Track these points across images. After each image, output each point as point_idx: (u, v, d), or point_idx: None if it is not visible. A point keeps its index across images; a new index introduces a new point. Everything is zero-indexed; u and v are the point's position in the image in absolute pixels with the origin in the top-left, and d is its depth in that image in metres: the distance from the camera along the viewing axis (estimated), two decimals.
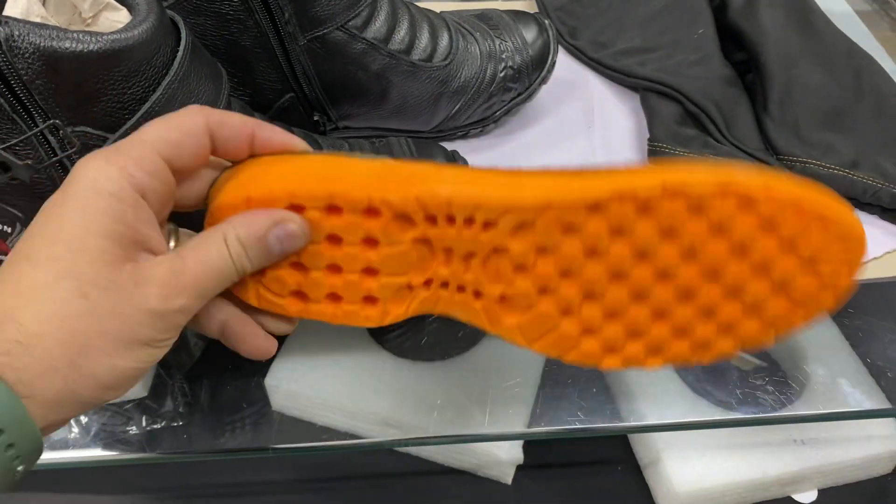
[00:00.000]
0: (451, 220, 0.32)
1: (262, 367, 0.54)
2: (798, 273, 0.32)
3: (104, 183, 0.28)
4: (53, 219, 0.28)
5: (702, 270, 0.32)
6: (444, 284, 0.34)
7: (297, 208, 0.32)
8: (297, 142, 0.34)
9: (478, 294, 0.34)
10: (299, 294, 0.34)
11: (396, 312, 0.35)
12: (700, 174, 0.30)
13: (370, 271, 0.34)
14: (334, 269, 0.34)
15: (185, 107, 0.32)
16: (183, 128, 0.30)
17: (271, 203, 0.32)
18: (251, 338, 0.34)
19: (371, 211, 0.32)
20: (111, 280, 0.27)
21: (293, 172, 0.33)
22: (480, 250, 0.33)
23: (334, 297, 0.34)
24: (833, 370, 0.51)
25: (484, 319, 0.34)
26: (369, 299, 0.34)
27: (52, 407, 0.27)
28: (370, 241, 0.33)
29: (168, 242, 0.32)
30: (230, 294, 0.33)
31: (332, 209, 0.32)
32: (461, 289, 0.34)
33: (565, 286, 0.33)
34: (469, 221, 0.32)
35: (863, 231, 0.32)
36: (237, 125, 0.32)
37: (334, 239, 0.33)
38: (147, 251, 0.29)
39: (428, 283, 0.34)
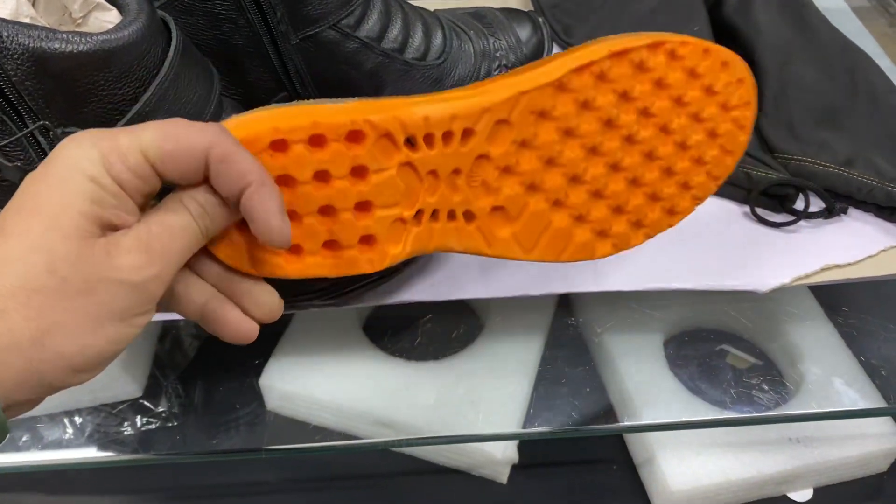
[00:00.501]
0: (430, 140, 0.34)
1: (257, 367, 0.54)
2: (720, 119, 0.39)
3: (85, 164, 0.27)
4: (30, 194, 0.27)
5: (656, 129, 0.38)
6: (435, 215, 0.36)
7: (280, 145, 0.32)
8: (281, 230, 0.30)
9: (469, 216, 0.36)
10: (295, 249, 0.33)
11: (394, 252, 0.35)
12: (634, 37, 0.36)
13: (363, 206, 0.34)
14: (327, 211, 0.34)
15: (202, 123, 0.30)
16: (180, 143, 0.29)
17: (255, 143, 0.32)
18: (232, 320, 0.33)
19: (355, 135, 0.33)
20: (82, 254, 0.27)
21: (273, 112, 0.33)
22: (464, 164, 0.35)
23: (331, 245, 0.34)
24: (828, 369, 0.51)
25: (480, 240, 0.36)
26: (366, 240, 0.34)
27: (13, 387, 0.26)
28: (358, 172, 0.34)
29: None
30: (212, 275, 0.33)
31: (316, 140, 0.33)
32: (452, 216, 0.36)
33: (550, 176, 0.36)
34: (448, 136, 0.34)
35: (749, 73, 0.39)
36: (235, 175, 0.29)
37: (322, 176, 0.33)
38: (113, 228, 0.29)
39: (419, 215, 0.35)
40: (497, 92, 0.35)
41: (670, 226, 0.41)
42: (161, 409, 0.53)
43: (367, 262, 0.35)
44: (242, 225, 0.32)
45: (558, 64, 0.35)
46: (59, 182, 0.27)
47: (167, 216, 0.29)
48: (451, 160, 0.35)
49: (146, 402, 0.54)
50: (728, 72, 0.38)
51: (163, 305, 0.31)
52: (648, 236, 0.41)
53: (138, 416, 0.53)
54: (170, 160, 0.29)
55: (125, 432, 0.52)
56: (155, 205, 0.31)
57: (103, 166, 0.28)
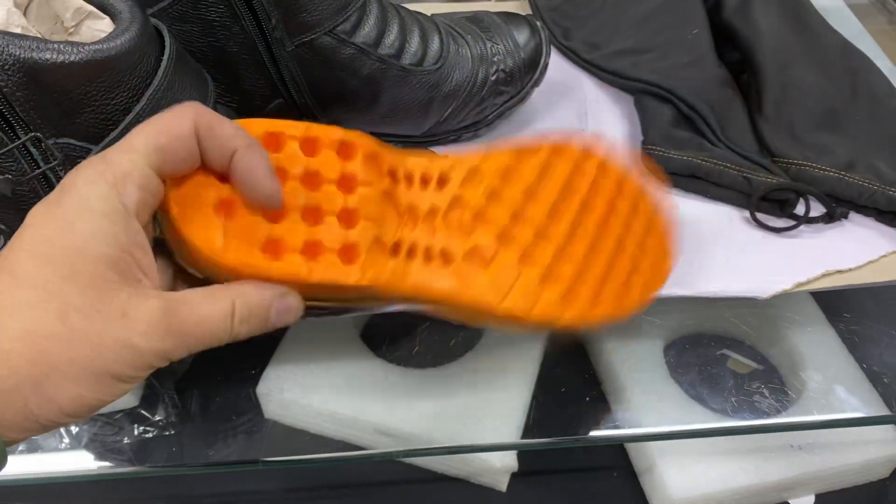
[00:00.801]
0: (409, 178, 0.38)
1: (254, 375, 0.54)
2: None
3: (96, 202, 0.27)
4: (43, 237, 0.27)
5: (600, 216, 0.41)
6: (412, 252, 0.36)
7: (274, 139, 0.34)
8: (272, 188, 0.31)
9: (446, 257, 0.37)
10: (275, 244, 0.33)
11: (371, 274, 0.34)
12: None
13: (348, 216, 0.35)
14: (313, 211, 0.34)
15: (176, 105, 0.30)
16: (172, 131, 0.29)
17: (249, 131, 0.32)
18: None
19: (346, 148, 0.35)
20: (97, 308, 0.26)
21: (268, 119, 0.34)
22: (440, 204, 0.38)
23: (313, 246, 0.33)
24: (830, 376, 0.51)
25: (455, 283, 0.36)
26: (348, 250, 0.34)
27: (9, 426, 0.26)
28: (347, 183, 0.35)
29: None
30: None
31: (309, 144, 0.34)
32: (428, 257, 0.37)
33: (518, 229, 0.38)
34: (425, 181, 0.38)
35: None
36: (223, 140, 0.30)
37: (313, 176, 0.34)
38: (139, 273, 0.29)
39: (397, 248, 0.36)
40: (469, 152, 0.40)
41: (621, 317, 0.40)
42: (158, 418, 0.53)
43: (344, 272, 0.34)
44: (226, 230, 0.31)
45: (526, 141, 0.41)
46: (71, 224, 0.27)
47: (209, 310, 0.29)
48: (428, 199, 0.38)
49: (143, 411, 0.53)
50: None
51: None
52: (607, 319, 0.39)
53: (135, 425, 0.52)
54: (167, 153, 0.29)
55: (122, 441, 0.51)
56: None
57: (115, 197, 0.27)
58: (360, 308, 0.46)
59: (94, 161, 0.28)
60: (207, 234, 0.31)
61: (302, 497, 0.55)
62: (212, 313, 0.29)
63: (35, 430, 0.27)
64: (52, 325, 0.26)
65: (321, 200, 0.34)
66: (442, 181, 0.38)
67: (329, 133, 0.35)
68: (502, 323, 0.37)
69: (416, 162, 0.38)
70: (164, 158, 0.29)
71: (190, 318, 0.29)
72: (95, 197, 0.27)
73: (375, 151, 0.36)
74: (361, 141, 0.36)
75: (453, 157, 0.39)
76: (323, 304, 0.36)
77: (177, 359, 0.29)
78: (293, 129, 0.34)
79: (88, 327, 0.26)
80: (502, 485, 0.54)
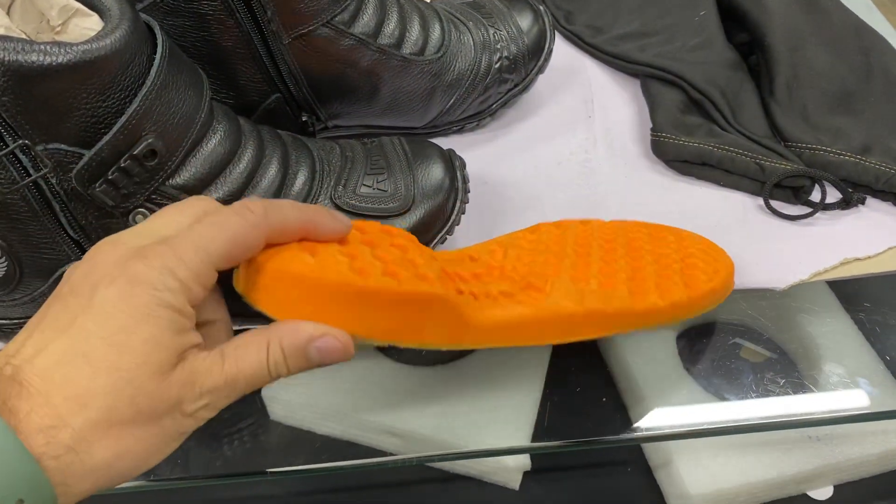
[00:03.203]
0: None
1: None
2: None
3: (168, 297, 0.29)
4: (116, 324, 0.28)
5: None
6: (474, 296, 0.38)
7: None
8: (345, 227, 0.34)
9: (506, 294, 0.39)
10: (358, 271, 0.33)
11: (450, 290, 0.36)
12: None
13: (414, 265, 0.36)
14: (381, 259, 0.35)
15: (245, 202, 0.32)
16: (246, 243, 0.31)
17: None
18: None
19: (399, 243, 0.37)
20: (163, 390, 0.28)
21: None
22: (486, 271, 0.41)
23: (392, 274, 0.34)
24: (851, 369, 0.50)
25: (525, 306, 0.38)
26: (421, 276, 0.35)
27: (76, 496, 0.28)
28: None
29: None
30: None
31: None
32: (489, 296, 0.38)
33: (563, 266, 0.42)
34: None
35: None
36: (296, 227, 0.33)
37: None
38: (194, 350, 0.30)
39: (460, 292, 0.37)
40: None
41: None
42: None
43: (427, 283, 0.34)
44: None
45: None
46: (146, 317, 0.28)
47: (244, 355, 0.31)
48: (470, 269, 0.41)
49: None
50: None
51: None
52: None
53: None
54: (235, 260, 0.31)
55: None
56: None
57: (184, 295, 0.29)
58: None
59: (164, 254, 0.29)
60: (327, 263, 0.32)
61: (311, 501, 0.54)
62: (247, 357, 0.31)
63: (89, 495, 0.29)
64: (127, 412, 0.28)
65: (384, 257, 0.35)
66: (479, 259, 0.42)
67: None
68: (581, 327, 0.40)
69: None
70: (230, 263, 0.31)
71: (230, 369, 0.31)
72: (167, 292, 0.29)
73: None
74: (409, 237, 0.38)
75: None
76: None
77: (225, 406, 0.32)
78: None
79: (153, 407, 0.28)
80: (515, 483, 0.53)
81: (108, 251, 0.30)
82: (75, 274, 0.30)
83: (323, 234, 0.34)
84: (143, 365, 0.28)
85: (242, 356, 0.31)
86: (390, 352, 0.54)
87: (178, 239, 0.30)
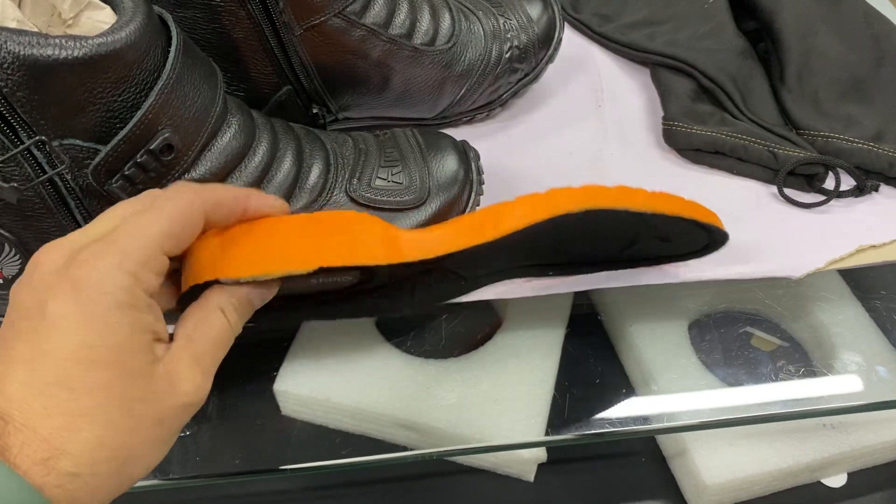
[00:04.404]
0: None
1: (271, 372, 0.52)
2: None
3: (122, 296, 0.27)
4: (77, 340, 0.27)
5: None
6: None
7: None
8: (281, 205, 0.34)
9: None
10: None
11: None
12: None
13: None
14: None
15: (175, 187, 0.31)
16: (185, 220, 0.30)
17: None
18: None
19: None
20: (151, 390, 0.28)
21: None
22: None
23: None
24: (868, 357, 0.50)
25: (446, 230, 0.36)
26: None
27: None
28: None
29: None
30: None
31: None
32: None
33: None
34: None
35: None
36: (231, 203, 0.32)
37: None
38: (164, 336, 0.30)
39: None
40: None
41: None
42: None
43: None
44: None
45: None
46: (106, 323, 0.27)
47: (208, 329, 0.31)
48: None
49: None
50: None
51: None
52: None
53: None
54: (179, 239, 0.30)
55: None
56: None
57: (139, 287, 0.28)
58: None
59: (105, 252, 0.28)
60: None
61: (325, 496, 0.54)
62: (216, 331, 0.31)
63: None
64: (124, 422, 0.27)
65: None
66: None
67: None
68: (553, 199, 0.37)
69: None
70: (174, 244, 0.30)
71: (208, 349, 0.31)
72: (121, 292, 0.27)
73: None
74: None
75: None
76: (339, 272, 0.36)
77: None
78: None
79: (150, 408, 0.28)
80: (530, 475, 0.53)
81: (46, 261, 0.28)
82: (20, 294, 0.28)
83: (260, 212, 0.33)
84: (123, 376, 0.27)
85: (209, 331, 0.31)
86: (400, 343, 0.54)
87: (116, 232, 0.29)
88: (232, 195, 0.32)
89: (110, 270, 0.27)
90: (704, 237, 0.44)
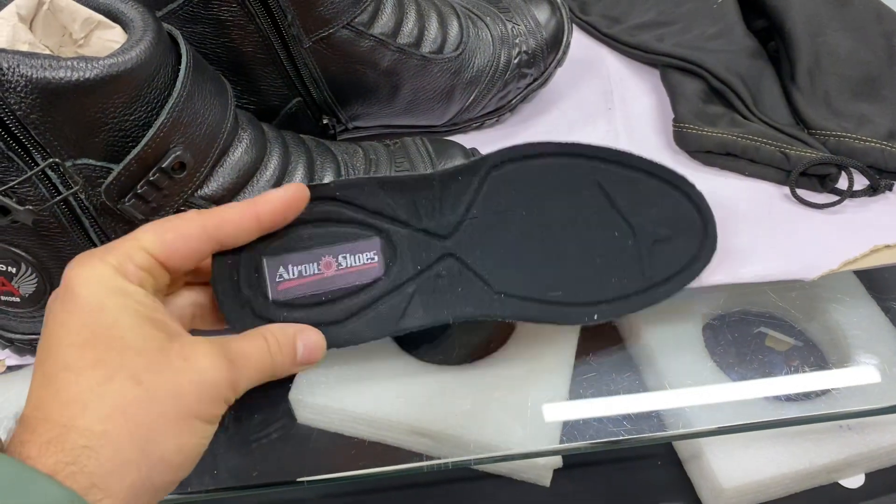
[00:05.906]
0: None
1: (286, 380, 0.52)
2: None
3: (108, 281, 0.29)
4: (73, 325, 0.28)
5: None
6: None
7: None
8: (295, 191, 0.35)
9: None
10: None
11: None
12: None
13: None
14: None
15: (182, 213, 0.33)
16: (178, 230, 0.31)
17: None
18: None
19: None
20: (160, 362, 0.28)
21: None
22: None
23: None
24: (885, 358, 0.49)
25: None
26: None
27: (128, 500, 0.27)
28: None
29: None
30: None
31: None
32: None
33: None
34: None
35: None
36: (237, 218, 0.33)
37: None
38: (176, 327, 0.30)
39: None
40: None
41: None
42: None
43: None
44: None
45: None
46: (99, 309, 0.28)
47: (244, 343, 0.32)
48: None
49: None
50: None
51: None
52: None
53: None
54: (172, 248, 0.31)
55: None
56: None
57: (120, 276, 0.29)
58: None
59: (91, 253, 0.30)
60: None
61: (338, 501, 0.54)
62: (250, 346, 0.32)
63: (152, 498, 0.28)
64: (132, 392, 0.27)
65: None
66: None
67: None
68: None
69: None
70: (167, 252, 0.31)
71: (239, 356, 0.31)
72: (106, 277, 0.29)
73: None
74: None
75: None
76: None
77: (241, 392, 0.31)
78: None
79: (162, 380, 0.28)
80: (546, 480, 0.53)
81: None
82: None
83: (275, 211, 0.35)
84: (124, 349, 0.28)
85: (248, 344, 0.32)
86: (414, 350, 0.54)
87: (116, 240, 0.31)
88: (237, 211, 0.33)
89: (93, 264, 0.29)
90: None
